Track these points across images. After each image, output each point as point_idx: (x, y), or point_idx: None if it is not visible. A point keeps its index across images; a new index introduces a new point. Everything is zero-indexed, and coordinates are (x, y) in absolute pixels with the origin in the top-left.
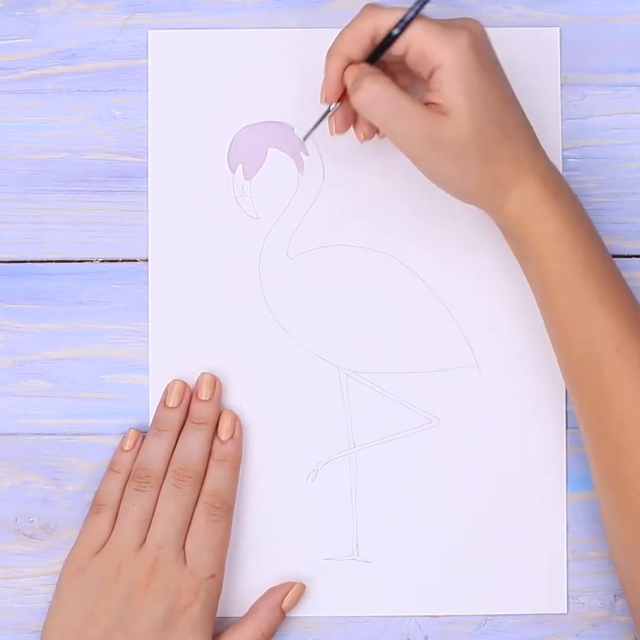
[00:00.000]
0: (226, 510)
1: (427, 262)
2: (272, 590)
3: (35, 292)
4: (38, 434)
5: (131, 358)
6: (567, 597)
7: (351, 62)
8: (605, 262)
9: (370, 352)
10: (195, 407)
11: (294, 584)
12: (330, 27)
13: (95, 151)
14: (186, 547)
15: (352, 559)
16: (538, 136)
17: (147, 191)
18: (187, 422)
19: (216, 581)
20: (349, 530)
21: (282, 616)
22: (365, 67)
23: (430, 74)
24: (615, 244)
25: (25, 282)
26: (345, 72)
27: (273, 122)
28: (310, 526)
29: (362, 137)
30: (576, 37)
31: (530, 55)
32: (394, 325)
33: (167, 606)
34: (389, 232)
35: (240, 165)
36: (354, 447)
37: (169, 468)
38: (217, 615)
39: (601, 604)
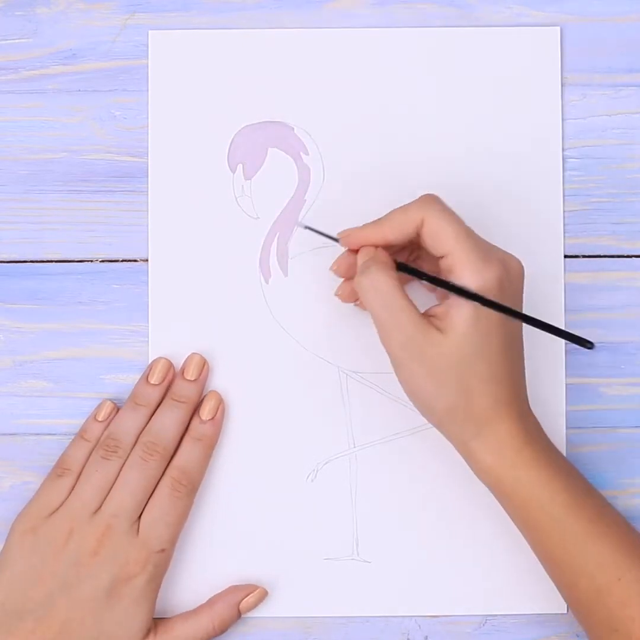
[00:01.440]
0: (191, 488)
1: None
2: (234, 588)
3: (35, 292)
4: (38, 434)
5: (131, 358)
6: None
7: (384, 243)
8: (592, 499)
9: (370, 352)
10: (178, 385)
11: (256, 587)
12: (330, 27)
13: (95, 151)
14: (142, 518)
15: (352, 559)
16: (538, 136)
17: (147, 191)
18: (166, 398)
19: (165, 556)
20: (349, 530)
21: (237, 615)
22: (381, 253)
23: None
24: (615, 244)
25: (25, 282)
26: (361, 249)
27: (273, 122)
28: (310, 526)
29: (341, 297)
30: (576, 37)
31: (530, 55)
32: None
33: (112, 575)
34: None
35: (240, 165)
36: (354, 447)
37: (139, 440)
38: None
39: None
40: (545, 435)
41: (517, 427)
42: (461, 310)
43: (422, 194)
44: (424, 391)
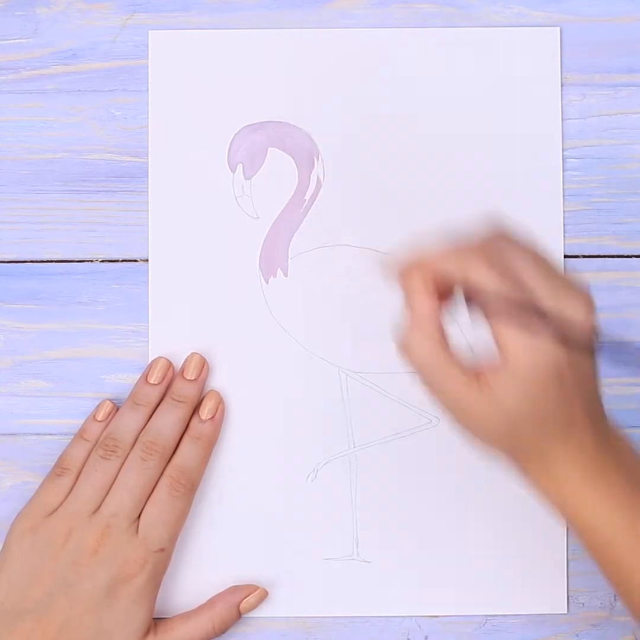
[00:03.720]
0: (189, 488)
1: None
2: (234, 589)
3: (35, 292)
4: (38, 434)
5: (131, 358)
6: (567, 597)
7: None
8: None
9: (370, 352)
10: (178, 384)
11: (256, 587)
12: (330, 27)
13: (95, 151)
14: (141, 517)
15: (352, 559)
16: (538, 136)
17: (147, 191)
18: (166, 398)
19: (165, 555)
20: (349, 530)
21: (237, 616)
22: (425, 317)
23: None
24: (615, 244)
25: (25, 282)
26: (418, 300)
27: (273, 122)
28: (310, 526)
29: None
30: (576, 37)
31: (530, 55)
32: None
33: (112, 574)
34: (389, 232)
35: (240, 165)
36: (354, 447)
37: (138, 439)
38: None
39: (601, 604)
40: (622, 458)
41: (574, 465)
42: (509, 387)
43: (492, 228)
44: (474, 439)
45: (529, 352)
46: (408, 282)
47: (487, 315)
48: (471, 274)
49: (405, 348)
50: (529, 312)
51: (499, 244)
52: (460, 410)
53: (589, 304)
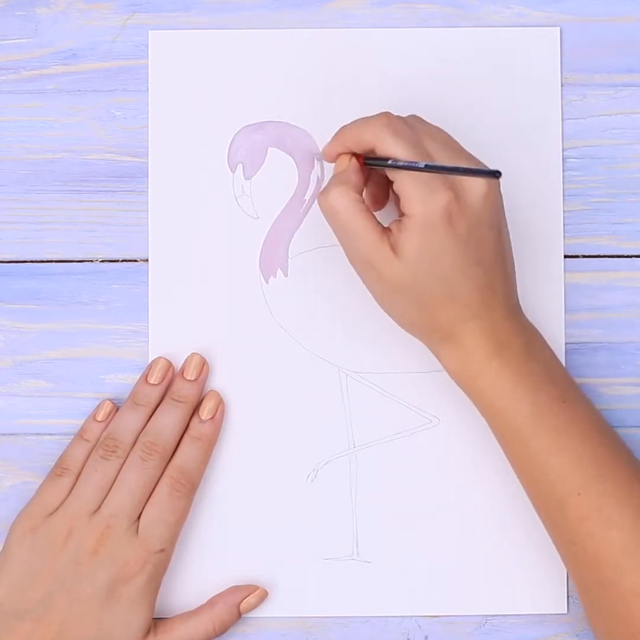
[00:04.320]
0: (190, 488)
1: None
2: (234, 589)
3: (35, 292)
4: (38, 434)
5: (131, 358)
6: (567, 597)
7: (350, 152)
8: (558, 409)
9: (370, 352)
10: (178, 384)
11: (256, 587)
12: (330, 27)
13: (95, 151)
14: (141, 518)
15: (352, 559)
16: (538, 136)
17: (147, 191)
18: (166, 398)
19: (165, 556)
20: (349, 530)
21: (237, 616)
22: (349, 169)
23: (402, 212)
24: (615, 244)
25: (25, 282)
26: (338, 159)
27: (273, 122)
28: (310, 526)
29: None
30: (576, 37)
31: (531, 55)
32: (394, 325)
33: (111, 575)
34: None
35: (240, 165)
36: (354, 447)
37: (139, 440)
38: None
39: None
40: (529, 339)
41: (484, 339)
42: (410, 237)
43: (379, 113)
44: (387, 306)
45: (423, 200)
46: (332, 149)
47: (392, 177)
48: (379, 140)
49: (327, 205)
50: (428, 171)
51: (411, 121)
52: (374, 272)
53: (489, 182)
